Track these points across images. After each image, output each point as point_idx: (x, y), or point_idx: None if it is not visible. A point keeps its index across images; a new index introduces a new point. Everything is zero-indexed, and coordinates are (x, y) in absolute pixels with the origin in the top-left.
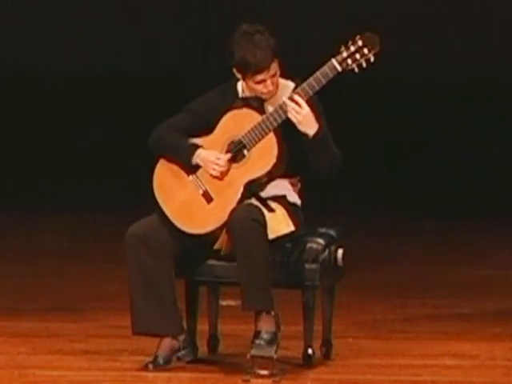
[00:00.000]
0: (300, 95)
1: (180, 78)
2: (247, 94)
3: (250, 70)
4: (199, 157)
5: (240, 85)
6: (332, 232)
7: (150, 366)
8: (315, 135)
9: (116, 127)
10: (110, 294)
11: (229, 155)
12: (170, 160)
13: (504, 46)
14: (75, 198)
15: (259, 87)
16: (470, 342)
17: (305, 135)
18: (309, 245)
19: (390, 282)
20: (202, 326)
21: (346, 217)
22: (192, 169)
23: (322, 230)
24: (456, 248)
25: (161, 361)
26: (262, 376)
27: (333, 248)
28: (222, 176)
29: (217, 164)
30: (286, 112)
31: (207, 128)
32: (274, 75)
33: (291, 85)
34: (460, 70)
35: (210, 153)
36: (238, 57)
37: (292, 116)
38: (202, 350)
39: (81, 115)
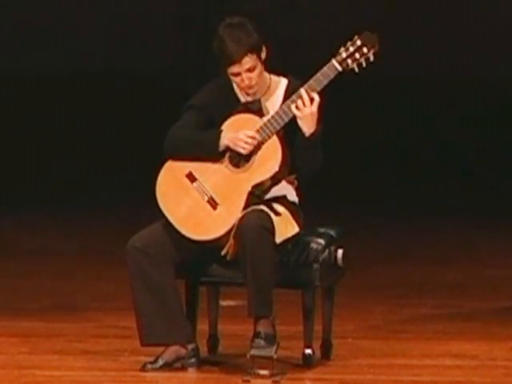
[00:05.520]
0: (307, 92)
1: (180, 78)
2: (247, 98)
3: (223, 62)
4: (226, 137)
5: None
6: (332, 232)
7: (149, 366)
8: (310, 136)
9: (115, 127)
10: (110, 294)
11: (257, 128)
12: (190, 159)
13: (505, 46)
14: (75, 198)
15: (236, 80)
16: (470, 341)
17: (301, 131)
18: (309, 245)
19: (389, 282)
20: (202, 326)
21: (346, 217)
22: (218, 156)
23: (322, 230)
24: (456, 248)
25: (160, 363)
26: (262, 376)
27: (333, 248)
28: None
29: (245, 142)
30: (287, 114)
31: (210, 126)
32: (249, 70)
33: (284, 81)
34: (460, 71)
35: (236, 132)
36: (215, 48)
37: (296, 110)
38: (202, 350)
39: (80, 115)
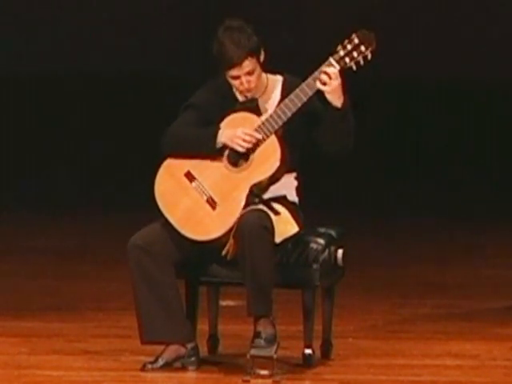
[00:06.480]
0: (327, 72)
1: (179, 78)
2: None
3: (222, 65)
4: (223, 135)
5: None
6: (332, 232)
7: (149, 366)
8: (343, 106)
9: (115, 127)
10: (110, 294)
11: (255, 127)
12: (188, 157)
13: (505, 46)
14: (75, 198)
15: (236, 83)
16: (470, 341)
17: (330, 106)
18: (309, 245)
19: (390, 282)
20: (202, 326)
21: (346, 217)
22: (216, 154)
23: (322, 230)
24: (456, 248)
25: (160, 362)
26: (262, 376)
27: (333, 248)
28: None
29: (243, 139)
30: (285, 113)
31: (209, 124)
32: (249, 73)
33: (280, 78)
34: (460, 71)
35: (234, 129)
36: (214, 51)
37: (323, 86)
38: (202, 350)
39: (80, 115)
